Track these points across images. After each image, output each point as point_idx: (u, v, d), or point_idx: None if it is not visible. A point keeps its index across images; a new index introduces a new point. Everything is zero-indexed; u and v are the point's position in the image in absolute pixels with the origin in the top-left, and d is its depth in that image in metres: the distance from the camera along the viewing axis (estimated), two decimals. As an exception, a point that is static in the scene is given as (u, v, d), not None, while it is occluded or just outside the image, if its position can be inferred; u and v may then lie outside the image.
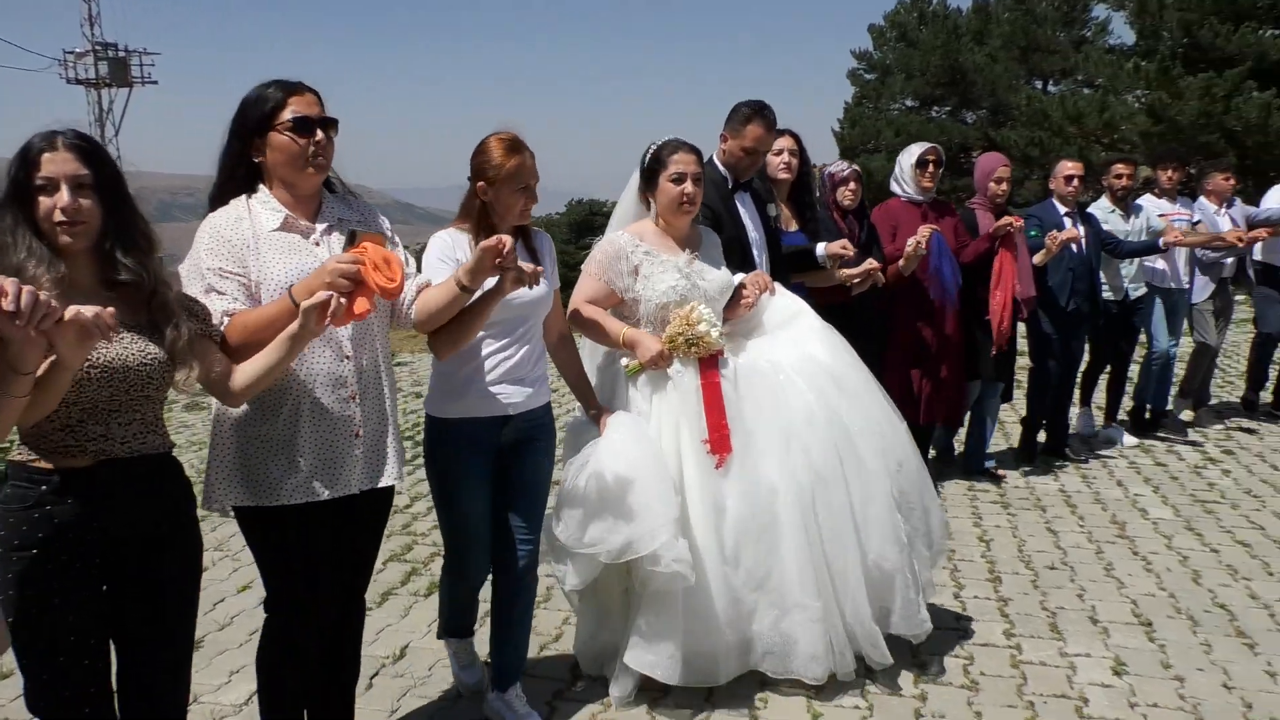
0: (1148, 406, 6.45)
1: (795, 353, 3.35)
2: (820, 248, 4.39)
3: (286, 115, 2.36)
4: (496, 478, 2.93)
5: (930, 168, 5.09)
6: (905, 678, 3.30)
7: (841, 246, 4.31)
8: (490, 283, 2.55)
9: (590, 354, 3.41)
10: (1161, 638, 3.59)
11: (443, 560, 3.12)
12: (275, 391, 2.39)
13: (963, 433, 5.73)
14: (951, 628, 3.69)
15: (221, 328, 2.31)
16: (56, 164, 1.97)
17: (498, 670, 3.09)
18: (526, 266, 2.52)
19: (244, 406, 2.39)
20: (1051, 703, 3.16)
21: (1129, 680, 3.29)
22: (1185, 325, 6.44)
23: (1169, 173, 6.24)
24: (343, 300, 2.17)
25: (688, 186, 3.19)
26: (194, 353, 2.15)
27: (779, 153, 4.46)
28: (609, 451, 2.99)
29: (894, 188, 5.23)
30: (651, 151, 3.25)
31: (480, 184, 2.77)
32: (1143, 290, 6.05)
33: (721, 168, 4.07)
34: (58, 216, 1.97)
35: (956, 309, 5.06)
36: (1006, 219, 5.09)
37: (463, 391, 2.83)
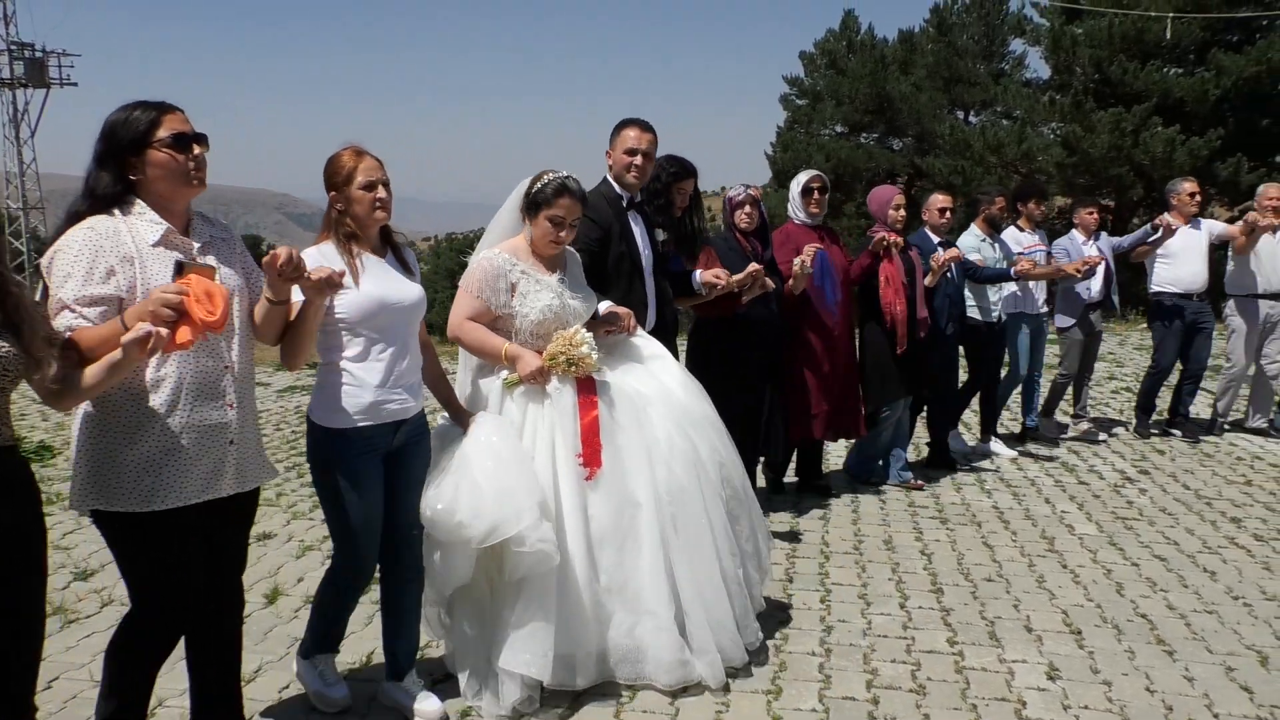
0: (1024, 420, 7.20)
1: (655, 384, 3.62)
2: (697, 275, 4.61)
3: (163, 133, 2.46)
4: (386, 477, 3.06)
5: (815, 194, 5.40)
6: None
7: (714, 275, 4.53)
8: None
9: (464, 362, 3.63)
10: (1090, 645, 3.85)
11: (331, 570, 3.19)
12: (153, 399, 2.46)
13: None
14: (899, 636, 3.91)
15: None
16: None
17: (394, 660, 3.26)
18: (320, 271, 2.63)
19: (118, 412, 2.44)
20: (993, 705, 3.38)
21: (1062, 684, 3.54)
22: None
23: (1029, 205, 6.80)
24: (164, 332, 2.24)
25: (563, 232, 3.40)
26: (52, 353, 2.21)
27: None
28: (473, 444, 3.17)
29: (790, 212, 5.54)
30: (543, 185, 3.38)
31: (332, 194, 2.94)
32: (1009, 312, 6.59)
33: (615, 185, 4.30)
34: None
35: (838, 323, 5.37)
36: (884, 234, 5.49)
37: (354, 400, 2.94)
